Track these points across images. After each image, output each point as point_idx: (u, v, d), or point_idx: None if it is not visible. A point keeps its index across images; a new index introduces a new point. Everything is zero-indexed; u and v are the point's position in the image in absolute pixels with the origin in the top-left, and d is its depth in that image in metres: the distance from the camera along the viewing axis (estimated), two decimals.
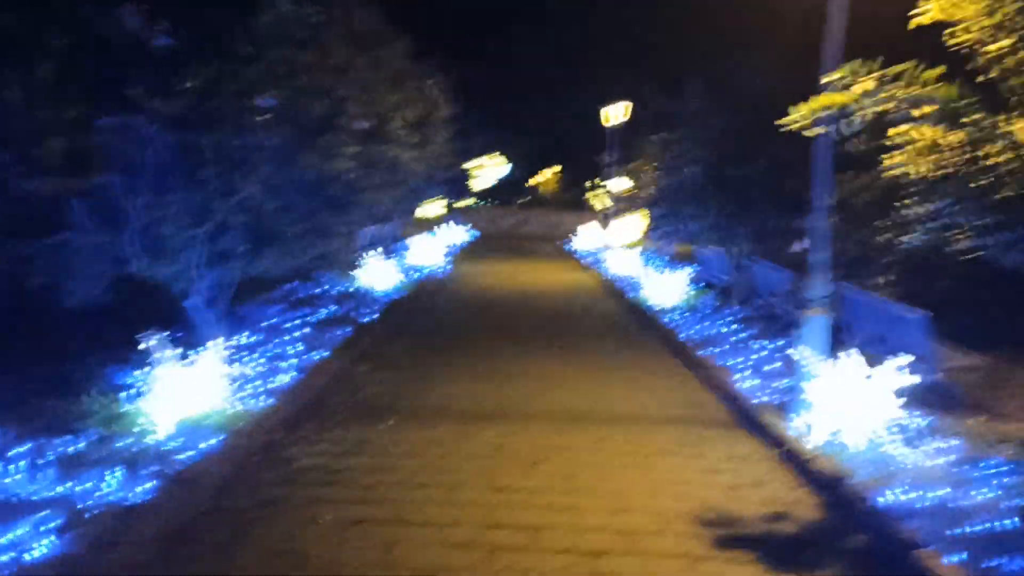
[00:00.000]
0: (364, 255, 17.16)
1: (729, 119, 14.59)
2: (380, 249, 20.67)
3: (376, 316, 12.51)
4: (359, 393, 8.38)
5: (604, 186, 32.43)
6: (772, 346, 10.63)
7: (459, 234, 30.54)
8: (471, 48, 42.53)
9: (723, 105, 14.74)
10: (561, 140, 51.45)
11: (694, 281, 15.74)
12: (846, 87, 5.98)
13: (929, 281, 9.97)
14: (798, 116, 5.97)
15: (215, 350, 7.11)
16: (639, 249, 27.15)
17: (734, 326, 12.40)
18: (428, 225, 35.40)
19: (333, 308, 12.49)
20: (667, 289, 15.27)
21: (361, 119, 9.25)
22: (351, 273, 16.15)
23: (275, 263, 8.06)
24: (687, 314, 13.66)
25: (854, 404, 6.57)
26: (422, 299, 15.64)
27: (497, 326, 13.02)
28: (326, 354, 9.55)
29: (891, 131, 6.10)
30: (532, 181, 58.21)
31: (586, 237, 30.74)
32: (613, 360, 10.58)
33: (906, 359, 6.74)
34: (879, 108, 5.77)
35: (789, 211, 14.53)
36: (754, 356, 10.06)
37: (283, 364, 8.70)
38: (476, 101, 35.78)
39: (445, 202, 40.63)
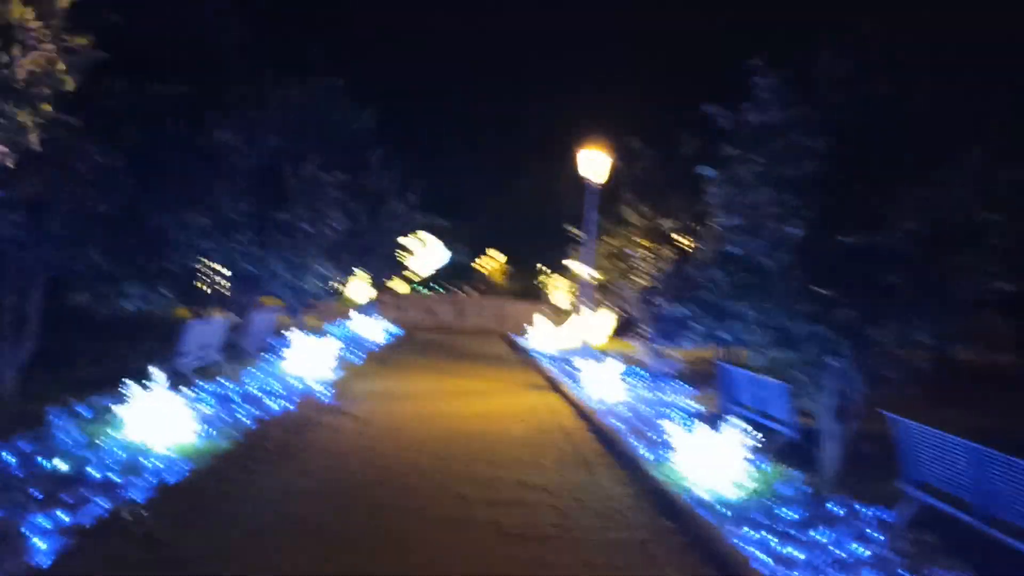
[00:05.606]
0: (180, 363, 9.71)
1: (838, 140, 7.93)
2: (207, 353, 12.50)
3: None
4: None
5: (570, 270, 25.57)
6: None
7: (374, 329, 22.98)
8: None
9: (823, 116, 8.08)
10: (513, 219, 45.48)
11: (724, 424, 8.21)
12: None
13: None
14: None
15: None
16: (618, 355, 20.12)
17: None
18: (345, 312, 27.88)
19: None
20: (703, 448, 8.06)
21: None
22: (114, 413, 8.40)
23: None
24: (774, 524, 6.47)
25: None
26: (242, 475, 8.01)
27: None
28: None
29: None
30: (477, 265, 51.80)
31: (542, 335, 23.78)
32: None
33: None
34: None
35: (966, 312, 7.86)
36: None
37: None
38: (412, 168, 28.89)
39: (369, 281, 33.37)
